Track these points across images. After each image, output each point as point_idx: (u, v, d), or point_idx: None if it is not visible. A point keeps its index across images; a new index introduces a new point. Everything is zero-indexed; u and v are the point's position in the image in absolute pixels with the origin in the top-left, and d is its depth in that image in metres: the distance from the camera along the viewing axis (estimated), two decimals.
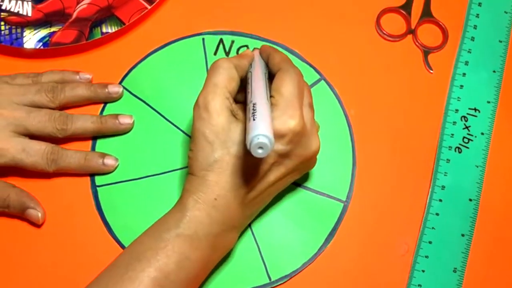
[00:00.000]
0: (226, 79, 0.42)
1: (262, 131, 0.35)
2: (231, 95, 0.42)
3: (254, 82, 0.41)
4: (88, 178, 0.48)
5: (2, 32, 0.50)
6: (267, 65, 0.45)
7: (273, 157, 0.40)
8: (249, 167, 0.40)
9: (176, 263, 0.39)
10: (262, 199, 0.43)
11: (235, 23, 0.53)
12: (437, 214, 0.48)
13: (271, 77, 0.44)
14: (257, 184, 0.41)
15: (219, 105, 0.40)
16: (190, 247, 0.39)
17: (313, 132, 0.43)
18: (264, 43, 0.53)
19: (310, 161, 0.44)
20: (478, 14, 0.53)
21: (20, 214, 0.46)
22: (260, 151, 0.35)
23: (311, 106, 0.43)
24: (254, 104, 0.38)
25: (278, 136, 0.39)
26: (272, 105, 0.40)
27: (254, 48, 0.48)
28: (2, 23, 0.51)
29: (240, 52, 0.52)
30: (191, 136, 0.41)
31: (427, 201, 0.48)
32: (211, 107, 0.40)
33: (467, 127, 0.50)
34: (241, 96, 0.45)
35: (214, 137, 0.40)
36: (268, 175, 0.41)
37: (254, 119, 0.36)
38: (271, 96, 0.41)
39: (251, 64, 0.44)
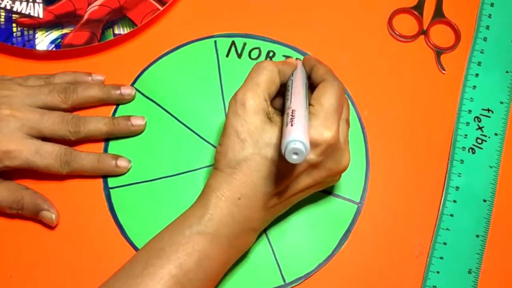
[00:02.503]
0: (268, 81, 0.41)
1: (298, 137, 0.34)
2: (269, 97, 0.42)
3: (295, 89, 0.41)
4: (101, 180, 0.48)
5: (14, 34, 0.50)
6: (308, 76, 0.45)
7: (303, 166, 0.40)
8: (278, 172, 0.40)
9: (196, 261, 0.38)
10: (283, 206, 0.43)
11: (247, 25, 0.53)
12: (451, 215, 0.47)
13: (311, 89, 0.44)
14: (282, 190, 0.41)
15: (257, 105, 0.40)
16: (210, 245, 0.39)
17: (346, 148, 0.42)
18: (275, 45, 0.53)
19: (336, 176, 0.44)
20: (490, 15, 0.53)
21: (34, 216, 0.46)
22: (294, 156, 0.35)
23: (347, 122, 0.43)
24: (293, 110, 0.37)
25: (312, 145, 0.39)
26: (310, 113, 0.40)
27: (297, 58, 0.48)
28: (14, 25, 0.51)
29: (252, 54, 0.52)
30: (223, 129, 0.41)
31: (441, 202, 0.48)
32: (249, 104, 0.40)
33: (480, 128, 0.50)
34: (276, 103, 0.45)
35: (246, 135, 0.40)
36: (295, 183, 0.41)
37: (292, 125, 0.36)
38: (310, 105, 0.41)
39: (292, 73, 0.44)
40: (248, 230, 0.41)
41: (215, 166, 0.41)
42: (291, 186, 0.41)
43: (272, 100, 0.43)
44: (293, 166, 0.39)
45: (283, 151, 0.35)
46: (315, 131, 0.39)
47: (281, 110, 0.44)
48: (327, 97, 0.41)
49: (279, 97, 0.45)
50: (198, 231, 0.39)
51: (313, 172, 0.41)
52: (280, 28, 0.53)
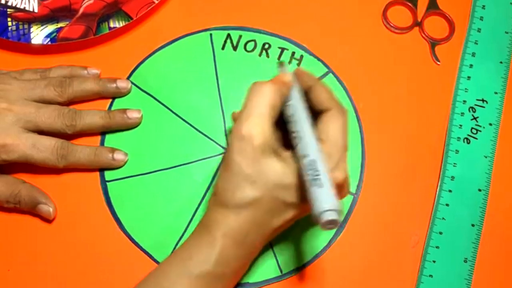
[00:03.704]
0: (271, 108, 0.39)
1: (334, 205, 0.33)
2: (273, 126, 0.40)
3: (301, 126, 0.39)
4: (98, 173, 0.48)
5: (9, 28, 0.50)
6: (304, 92, 0.42)
7: None
8: (287, 211, 0.39)
9: None
10: (282, 231, 0.42)
11: (242, 18, 0.53)
12: (447, 204, 0.48)
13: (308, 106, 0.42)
14: (286, 224, 0.41)
15: (265, 142, 0.38)
16: (217, 283, 0.39)
17: (348, 181, 0.41)
18: (271, 37, 0.53)
19: None
20: (484, 6, 0.54)
21: (31, 210, 0.46)
22: (330, 226, 0.33)
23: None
24: (312, 161, 0.36)
25: None
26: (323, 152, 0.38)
27: (284, 66, 0.45)
28: (9, 19, 0.51)
29: (247, 46, 0.52)
30: (226, 164, 0.39)
31: (437, 192, 0.48)
32: (257, 142, 0.38)
33: (475, 118, 0.50)
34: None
35: (256, 176, 0.38)
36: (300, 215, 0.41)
37: (320, 186, 0.34)
38: (320, 138, 0.39)
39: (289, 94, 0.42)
40: (248, 263, 0.41)
41: (219, 201, 0.39)
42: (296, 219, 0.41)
43: None
44: (302, 204, 0.38)
45: (316, 219, 0.33)
46: (331, 175, 0.37)
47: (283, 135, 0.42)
48: (339, 132, 0.39)
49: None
50: (208, 271, 0.38)
51: None
52: (276, 21, 0.53)
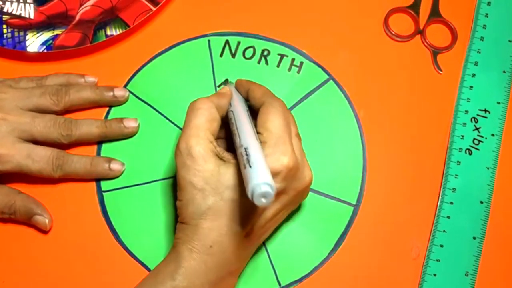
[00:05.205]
0: (207, 121, 0.40)
1: (262, 179, 0.33)
2: (213, 137, 0.40)
3: (239, 122, 0.40)
4: (94, 184, 0.48)
5: (5, 35, 0.50)
6: (246, 99, 0.44)
7: None
8: (244, 209, 0.39)
9: None
10: (259, 237, 0.42)
11: (241, 23, 0.53)
12: (448, 217, 0.47)
13: (252, 111, 0.43)
14: (253, 225, 0.40)
15: (203, 150, 0.39)
16: None
17: (304, 163, 0.41)
18: (270, 43, 0.52)
19: (304, 192, 0.43)
20: (487, 14, 0.53)
21: (27, 221, 0.46)
22: (263, 200, 0.33)
23: (298, 136, 0.42)
24: (245, 148, 0.36)
25: (273, 174, 0.37)
26: (261, 142, 0.39)
27: (229, 83, 0.47)
28: (4, 26, 0.50)
29: (246, 53, 0.52)
30: (177, 183, 0.40)
31: (438, 204, 0.47)
32: (195, 152, 0.39)
33: (477, 129, 0.50)
34: (221, 133, 0.44)
35: (203, 184, 0.38)
36: (264, 214, 0.40)
37: (250, 166, 0.34)
38: (258, 133, 0.40)
39: (230, 103, 0.43)
40: (225, 275, 0.40)
41: (179, 220, 0.40)
42: (261, 217, 0.40)
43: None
44: None
45: (250, 196, 0.33)
46: (271, 160, 0.38)
47: (226, 139, 0.43)
48: (272, 120, 0.39)
49: (221, 128, 0.44)
50: (172, 286, 0.38)
51: (280, 197, 0.40)
52: (275, 27, 0.52)
